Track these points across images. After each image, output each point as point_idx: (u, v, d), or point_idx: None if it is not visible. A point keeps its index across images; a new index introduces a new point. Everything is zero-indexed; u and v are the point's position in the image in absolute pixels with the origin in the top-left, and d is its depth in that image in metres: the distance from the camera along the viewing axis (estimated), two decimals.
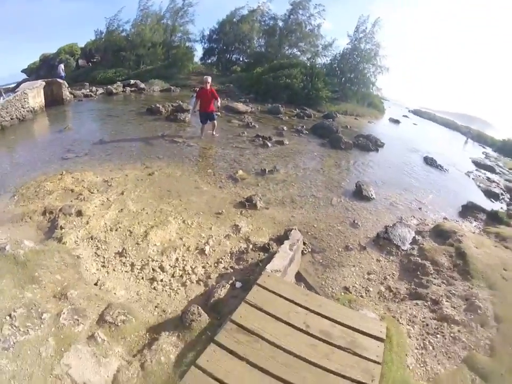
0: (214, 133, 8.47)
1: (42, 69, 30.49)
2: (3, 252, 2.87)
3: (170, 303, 3.01)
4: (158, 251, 3.57)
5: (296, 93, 17.98)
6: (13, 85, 31.93)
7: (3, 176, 6.07)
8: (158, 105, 11.60)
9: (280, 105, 14.96)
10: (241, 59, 33.68)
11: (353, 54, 22.57)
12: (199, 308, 2.68)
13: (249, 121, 10.84)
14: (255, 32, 30.71)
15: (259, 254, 3.56)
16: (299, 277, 3.49)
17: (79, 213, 4.19)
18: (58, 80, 15.29)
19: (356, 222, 4.95)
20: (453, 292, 3.54)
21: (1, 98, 15.05)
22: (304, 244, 3.95)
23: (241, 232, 4.07)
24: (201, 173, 6.02)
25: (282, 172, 6.57)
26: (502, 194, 8.65)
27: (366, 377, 2.04)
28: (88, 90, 18.02)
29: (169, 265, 3.40)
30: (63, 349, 2.24)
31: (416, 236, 4.82)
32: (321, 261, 3.90)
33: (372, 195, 6.00)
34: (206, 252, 3.57)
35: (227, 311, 2.71)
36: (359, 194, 5.99)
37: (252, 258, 3.49)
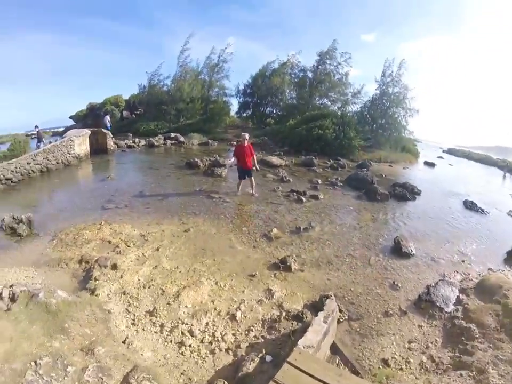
0: (254, 192, 8.54)
1: (89, 117, 33.22)
2: (36, 299, 2.95)
3: (197, 371, 2.88)
4: (189, 313, 3.50)
5: (329, 144, 18.15)
6: (61, 129, 34.94)
7: (45, 218, 6.51)
8: (196, 159, 12.13)
9: (313, 157, 15.14)
10: (274, 112, 35.02)
11: (382, 99, 22.78)
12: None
13: (284, 175, 11.00)
14: (286, 84, 32.13)
15: (292, 323, 3.39)
16: (334, 349, 3.24)
17: (114, 266, 4.30)
18: (104, 130, 16.54)
19: (395, 283, 4.64)
20: (500, 357, 3.16)
21: (42, 143, 16.48)
22: (340, 311, 3.72)
23: (274, 297, 3.94)
24: (236, 231, 6.04)
25: (318, 229, 6.45)
26: None
27: None
28: (131, 142, 19.32)
29: (199, 329, 3.30)
30: None
31: (460, 295, 4.45)
32: (358, 329, 3.62)
33: (411, 251, 5.68)
34: (237, 318, 3.46)
35: None
36: (398, 251, 5.68)
37: (284, 328, 3.32)
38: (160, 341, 3.16)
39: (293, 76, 32.90)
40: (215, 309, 3.60)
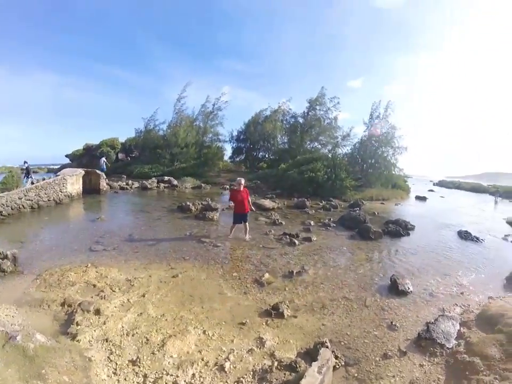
0: (247, 237, 8.44)
1: (85, 157, 33.89)
2: (13, 341, 2.82)
3: None
4: (174, 364, 3.26)
5: (320, 185, 18.52)
6: (56, 167, 35.12)
7: (31, 255, 6.44)
8: (188, 203, 12.17)
9: (306, 199, 15.36)
10: (267, 156, 36.09)
11: (371, 140, 23.53)
12: None
13: (276, 218, 11.02)
14: (278, 130, 33.41)
15: (285, 374, 3.14)
16: None
17: (98, 312, 4.12)
18: (97, 171, 16.71)
19: (393, 323, 4.44)
20: None
21: (30, 178, 16.43)
22: (336, 357, 3.49)
23: (265, 346, 3.70)
24: (226, 277, 5.85)
25: (311, 273, 6.27)
26: None
27: None
28: (124, 183, 19.52)
29: (185, 381, 3.04)
30: None
31: (461, 328, 4.29)
32: (356, 375, 3.38)
33: (408, 288, 5.53)
34: (226, 369, 3.21)
35: None
36: (394, 289, 5.52)
37: (277, 379, 3.06)
38: None
39: (284, 122, 34.32)
40: (203, 359, 3.35)
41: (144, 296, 4.76)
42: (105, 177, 17.35)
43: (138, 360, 3.27)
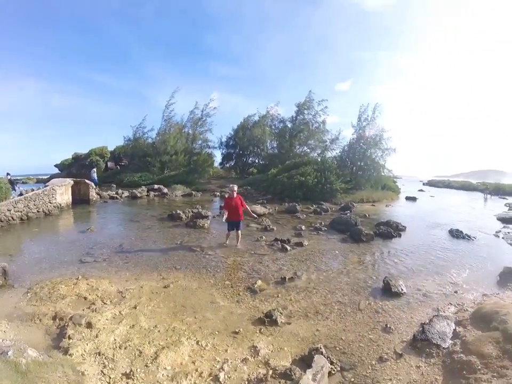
0: (238, 244, 8.40)
1: (74, 166, 33.55)
2: (5, 356, 2.77)
3: None
4: (168, 376, 3.20)
5: (311, 189, 18.59)
6: (45, 177, 34.65)
7: (21, 268, 6.35)
8: (178, 211, 12.09)
9: (296, 204, 15.35)
10: (256, 161, 36.19)
11: (360, 143, 23.76)
12: None
13: (267, 224, 10.99)
14: (267, 135, 33.54)
15: (279, 382, 3.10)
16: None
17: (89, 325, 4.05)
18: (87, 181, 16.52)
19: (388, 326, 4.44)
20: None
21: (14, 189, 16.08)
22: (331, 362, 3.47)
23: (260, 354, 3.65)
24: (218, 285, 5.79)
25: (304, 278, 6.25)
26: None
27: None
28: (114, 193, 19.35)
29: None
30: None
31: (457, 328, 4.29)
32: (352, 379, 3.36)
33: (402, 290, 5.55)
34: (221, 379, 3.15)
35: None
36: (388, 291, 5.54)
37: None
38: None
39: (273, 127, 34.44)
40: (196, 370, 3.30)
41: (135, 307, 4.68)
42: (94, 186, 17.16)
43: (131, 373, 3.21)
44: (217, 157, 35.86)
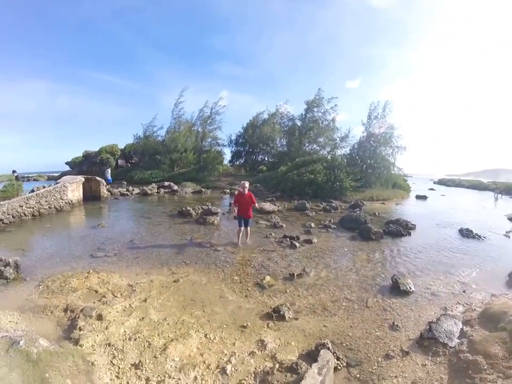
0: (247, 240, 8.48)
1: (85, 164, 34.02)
2: (16, 346, 2.85)
3: None
4: (176, 367, 3.27)
5: (320, 187, 18.49)
6: (56, 174, 35.32)
7: (33, 262, 6.51)
8: (188, 207, 12.19)
9: (306, 201, 15.30)
10: (266, 159, 36.12)
11: (370, 140, 23.49)
12: None
13: (277, 221, 11.01)
14: (276, 133, 33.43)
15: (286, 376, 3.14)
16: None
17: (100, 317, 4.15)
18: (97, 178, 16.76)
19: (395, 323, 4.43)
20: None
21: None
22: (338, 358, 3.49)
23: (267, 348, 3.70)
24: (227, 280, 5.85)
25: (312, 275, 6.27)
26: None
27: None
28: (125, 190, 19.54)
29: None
30: None
31: (464, 327, 4.28)
32: (358, 375, 3.38)
33: (410, 288, 5.53)
34: (228, 372, 3.22)
35: None
36: (396, 289, 5.52)
37: (278, 381, 3.07)
38: None
39: (282, 125, 34.31)
40: (204, 362, 3.36)
41: (145, 301, 4.77)
42: (105, 183, 17.40)
43: (140, 363, 3.28)
44: (227, 154, 35.98)
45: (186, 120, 31.92)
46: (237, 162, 37.43)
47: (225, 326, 4.16)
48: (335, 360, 3.41)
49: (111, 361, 3.32)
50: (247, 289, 5.48)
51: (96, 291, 5.08)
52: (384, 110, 23.44)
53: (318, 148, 31.32)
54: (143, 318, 4.24)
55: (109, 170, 23.37)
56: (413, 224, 11.00)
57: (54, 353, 3.02)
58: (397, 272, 6.44)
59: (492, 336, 3.88)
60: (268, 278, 5.92)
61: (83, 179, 15.46)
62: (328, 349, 3.47)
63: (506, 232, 10.69)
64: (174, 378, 3.12)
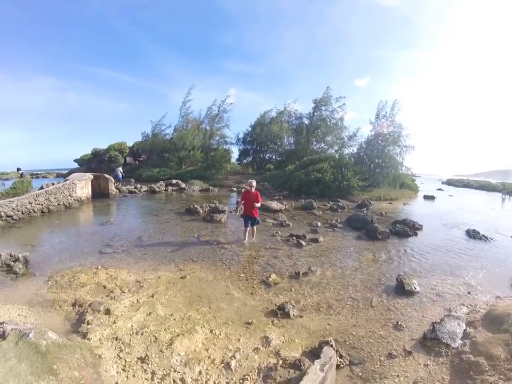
0: (253, 238, 8.55)
1: (93, 161, 34.45)
2: (26, 338, 2.91)
3: None
4: (182, 361, 3.34)
5: (327, 186, 18.46)
6: (65, 172, 35.87)
7: (42, 258, 6.64)
8: (196, 205, 12.30)
9: (313, 200, 15.28)
10: (273, 157, 36.07)
11: (378, 140, 23.35)
12: None
13: (283, 220, 11.06)
14: (284, 131, 33.37)
15: (289, 372, 3.20)
16: None
17: (108, 311, 4.24)
18: (106, 175, 16.96)
19: (399, 323, 4.46)
20: None
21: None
22: (341, 356, 3.54)
23: (271, 345, 3.76)
24: (233, 278, 5.92)
25: (317, 273, 6.31)
26: None
27: None
28: (133, 187, 19.72)
29: (192, 378, 3.13)
30: None
31: (467, 328, 4.28)
32: (360, 374, 3.42)
33: (415, 288, 5.53)
34: (232, 367, 3.28)
35: None
36: (401, 289, 5.53)
37: (281, 377, 3.13)
38: None
39: (290, 123, 34.23)
40: (209, 357, 3.44)
41: (153, 296, 4.86)
42: (113, 181, 17.59)
43: (146, 357, 3.36)
44: (235, 152, 36.06)
45: (194, 118, 32.09)
46: (245, 161, 37.46)
47: (230, 322, 4.24)
48: (338, 358, 3.46)
49: (118, 355, 3.40)
50: (253, 287, 5.54)
51: (104, 286, 5.18)
52: (392, 109, 23.30)
53: (325, 146, 31.21)
54: (150, 313, 4.32)
55: (121, 169, 23.66)
56: (420, 225, 10.95)
57: (63, 346, 3.10)
58: (402, 272, 6.45)
59: (495, 337, 3.88)
60: (273, 276, 5.98)
61: (92, 176, 15.66)
62: (332, 346, 3.51)
63: None
64: (179, 372, 3.19)
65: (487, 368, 3.35)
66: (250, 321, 4.29)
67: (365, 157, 23.87)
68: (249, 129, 36.55)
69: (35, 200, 11.24)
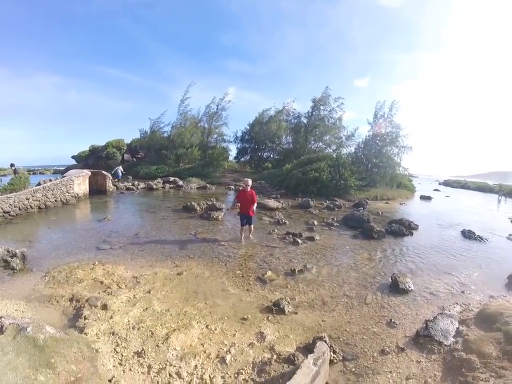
0: (250, 236, 8.58)
1: (91, 158, 34.45)
2: (24, 332, 2.95)
3: None
4: (178, 356, 3.39)
5: (325, 185, 18.52)
6: (62, 168, 35.74)
7: (39, 254, 6.65)
8: (193, 203, 12.34)
9: (310, 199, 15.35)
10: (271, 156, 36.11)
11: (376, 139, 23.38)
12: None
13: (280, 218, 11.10)
14: (283, 130, 33.43)
15: (283, 366, 3.26)
16: None
17: (105, 307, 4.28)
18: (104, 172, 16.95)
19: (392, 320, 4.52)
20: None
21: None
22: (334, 352, 3.60)
23: (266, 340, 3.81)
24: (230, 274, 5.97)
25: (313, 271, 6.36)
26: None
27: None
28: (130, 184, 19.70)
29: (187, 371, 3.18)
30: None
31: (460, 326, 4.33)
32: (353, 369, 3.48)
33: (409, 287, 5.59)
34: (227, 361, 3.33)
35: None
36: (395, 287, 5.59)
37: (275, 371, 3.19)
38: (147, 381, 3.04)
39: (288, 122, 34.30)
40: (205, 352, 3.48)
41: (149, 292, 4.90)
42: (111, 177, 17.58)
43: (143, 352, 3.41)
44: (233, 151, 36.08)
45: (192, 116, 32.08)
46: (242, 159, 37.46)
47: (226, 318, 4.28)
48: (332, 353, 3.51)
49: (115, 349, 3.44)
50: (249, 283, 5.59)
51: (101, 282, 5.21)
52: (391, 110, 23.36)
53: (323, 145, 31.33)
54: (146, 308, 4.36)
55: (121, 167, 23.76)
56: (416, 224, 11.02)
57: (60, 340, 3.13)
58: (397, 271, 6.51)
59: (487, 336, 3.94)
60: (269, 273, 6.03)
61: (89, 173, 15.65)
62: (325, 342, 3.56)
63: (509, 234, 10.67)
64: (175, 366, 3.23)
65: (478, 366, 3.41)
66: (245, 317, 4.34)
67: (362, 156, 23.94)
68: (248, 127, 36.60)
69: (32, 196, 11.23)
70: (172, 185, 21.36)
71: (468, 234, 10.08)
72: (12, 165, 18.35)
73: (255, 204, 8.44)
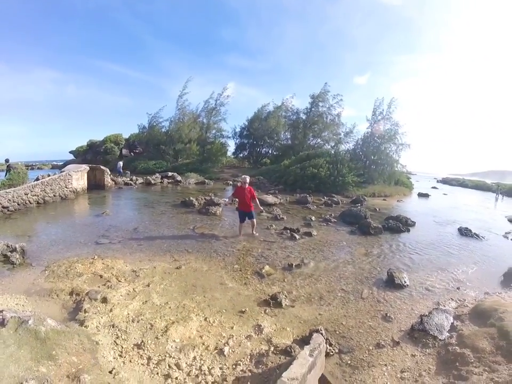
0: (254, 232, 8.54)
1: (89, 153, 34.37)
2: (25, 325, 2.98)
3: None
4: (177, 347, 3.45)
5: (323, 181, 18.58)
6: (60, 163, 35.65)
7: (38, 248, 6.69)
8: (191, 198, 12.36)
9: (308, 195, 15.43)
10: (270, 152, 36.08)
11: (374, 136, 23.39)
12: None
13: (278, 214, 11.17)
14: (281, 126, 33.38)
15: (280, 358, 3.33)
16: (324, 381, 3.16)
17: (104, 300, 4.33)
18: (102, 167, 16.95)
19: (388, 315, 4.59)
20: (496, 379, 3.09)
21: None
22: (330, 344, 3.67)
23: (263, 332, 3.88)
24: (228, 268, 6.03)
25: (310, 266, 6.43)
26: None
27: None
28: (129, 179, 19.70)
29: (186, 363, 3.24)
30: None
31: (455, 322, 4.41)
32: (349, 362, 3.55)
33: (405, 282, 5.66)
34: (225, 353, 3.40)
35: None
36: (391, 283, 5.66)
37: (272, 362, 3.26)
38: (147, 372, 3.10)
39: (287, 118, 34.28)
40: (203, 344, 3.55)
41: (148, 285, 4.96)
42: (109, 172, 17.57)
43: (142, 344, 3.46)
44: (231, 146, 36.03)
45: (191, 111, 31.95)
46: (241, 155, 37.43)
47: (224, 311, 4.35)
48: (328, 346, 3.58)
49: (115, 341, 3.50)
50: (247, 277, 5.66)
51: (101, 276, 5.26)
52: (389, 107, 23.37)
53: (322, 142, 31.36)
54: (146, 301, 4.42)
55: (121, 162, 23.79)
56: (413, 221, 11.11)
57: (61, 332, 3.18)
58: (393, 266, 6.57)
59: (481, 331, 4.00)
60: (267, 267, 6.10)
61: (88, 168, 15.63)
62: (322, 335, 3.63)
63: (506, 233, 10.76)
64: (174, 357, 3.29)
65: (472, 360, 3.47)
66: (243, 310, 4.41)
67: (360, 153, 23.98)
68: (246, 123, 36.53)
69: (31, 191, 11.24)
70: (170, 180, 21.36)
71: (464, 232, 10.15)
72: (6, 160, 18.26)
73: (256, 200, 8.49)
